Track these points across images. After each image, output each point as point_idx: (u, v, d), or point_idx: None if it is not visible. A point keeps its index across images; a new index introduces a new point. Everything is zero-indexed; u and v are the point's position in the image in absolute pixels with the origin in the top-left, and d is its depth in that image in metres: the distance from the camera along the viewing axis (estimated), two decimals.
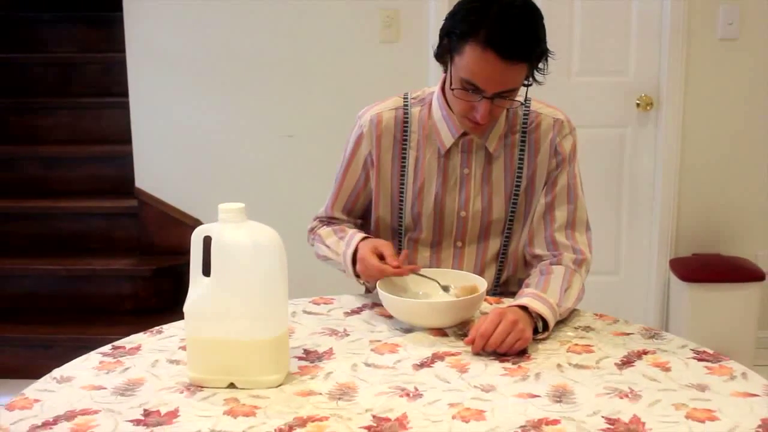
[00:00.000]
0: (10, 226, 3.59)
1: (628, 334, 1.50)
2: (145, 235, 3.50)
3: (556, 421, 1.15)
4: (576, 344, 1.44)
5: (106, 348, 1.45)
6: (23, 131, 3.89)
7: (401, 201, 1.72)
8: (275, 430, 1.14)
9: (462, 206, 1.70)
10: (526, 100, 1.66)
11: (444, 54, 1.57)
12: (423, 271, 1.61)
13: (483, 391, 1.26)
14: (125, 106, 3.50)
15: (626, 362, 1.36)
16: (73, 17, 4.33)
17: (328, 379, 1.30)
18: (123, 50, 3.46)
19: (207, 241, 1.30)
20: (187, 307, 1.29)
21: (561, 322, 1.53)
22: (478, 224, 1.71)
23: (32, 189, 3.73)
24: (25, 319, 3.31)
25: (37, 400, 1.24)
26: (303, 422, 1.16)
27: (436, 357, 1.38)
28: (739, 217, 3.34)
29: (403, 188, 1.71)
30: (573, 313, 1.59)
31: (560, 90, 3.29)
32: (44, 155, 3.77)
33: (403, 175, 1.71)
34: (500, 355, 1.38)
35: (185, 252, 3.58)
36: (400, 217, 1.73)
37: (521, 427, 1.14)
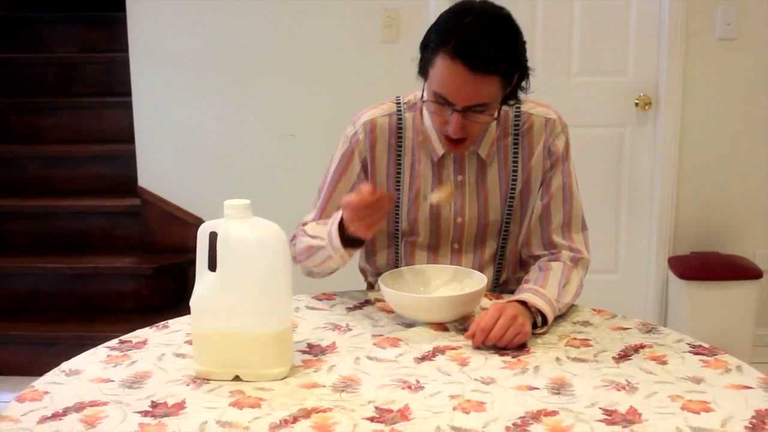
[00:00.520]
0: (12, 226, 3.62)
1: (626, 328, 1.52)
2: (148, 233, 3.53)
3: (554, 412, 1.18)
4: (574, 338, 1.47)
5: (114, 342, 1.47)
6: (25, 131, 3.92)
7: (398, 207, 1.72)
8: (280, 420, 1.16)
9: (458, 212, 1.70)
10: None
11: (422, 68, 1.55)
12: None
13: (483, 383, 1.28)
14: (126, 106, 3.53)
15: (623, 356, 1.39)
16: (74, 17, 4.36)
17: (332, 372, 1.32)
18: (124, 50, 3.49)
19: (212, 237, 1.32)
20: (194, 301, 1.32)
21: (560, 317, 1.55)
22: (475, 228, 1.72)
23: (34, 188, 3.76)
24: (28, 317, 3.35)
25: (46, 393, 1.26)
26: (307, 413, 1.18)
27: (437, 351, 1.41)
28: (737, 215, 3.37)
29: (399, 194, 1.71)
30: (571, 308, 1.61)
31: (560, 90, 3.32)
32: (46, 155, 3.80)
33: (398, 181, 1.71)
34: (500, 349, 1.40)
35: (187, 250, 3.64)
36: (397, 222, 1.74)
37: (521, 418, 1.16)
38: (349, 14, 3.33)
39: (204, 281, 1.32)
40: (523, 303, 1.46)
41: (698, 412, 1.18)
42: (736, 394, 1.24)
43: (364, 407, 1.20)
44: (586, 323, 1.55)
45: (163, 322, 1.57)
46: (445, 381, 1.29)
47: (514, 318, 1.40)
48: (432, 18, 3.20)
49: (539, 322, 1.47)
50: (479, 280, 1.56)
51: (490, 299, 1.66)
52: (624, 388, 1.26)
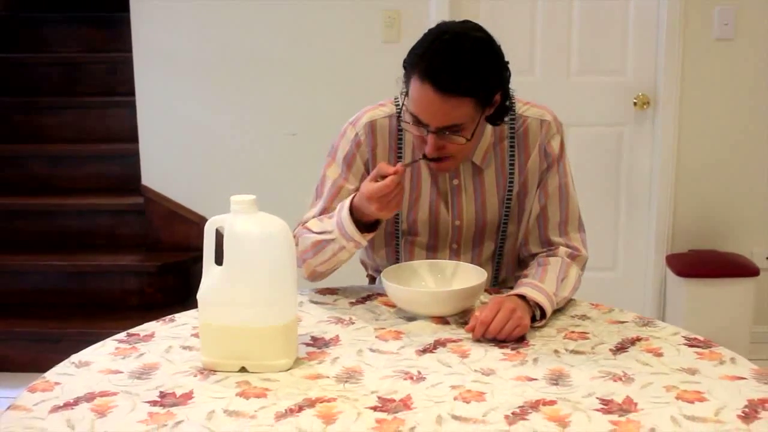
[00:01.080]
0: (17, 224, 3.65)
1: (623, 322, 1.55)
2: (151, 231, 3.56)
3: (552, 402, 1.21)
4: (572, 331, 1.50)
5: (122, 335, 1.50)
6: (30, 130, 3.95)
7: None
8: (285, 410, 1.19)
9: (456, 216, 1.72)
10: (511, 101, 1.64)
11: (405, 86, 1.57)
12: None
13: (483, 374, 1.31)
14: (130, 105, 3.56)
15: (620, 348, 1.42)
16: (78, 18, 4.39)
17: (335, 364, 1.36)
18: (128, 50, 3.52)
19: (218, 232, 1.35)
20: (201, 294, 1.35)
21: (558, 311, 1.58)
22: (473, 229, 1.74)
23: (39, 187, 3.79)
24: (33, 315, 3.37)
25: (57, 383, 1.29)
26: (312, 403, 1.21)
27: (438, 343, 1.44)
28: (734, 213, 3.40)
29: None
30: (570, 302, 1.64)
31: (559, 89, 3.35)
32: (50, 154, 3.83)
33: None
34: (500, 342, 1.43)
35: (191, 248, 3.67)
36: (397, 223, 1.76)
37: (519, 407, 1.19)
38: (350, 14, 3.36)
39: (211, 275, 1.35)
40: (522, 297, 1.50)
41: (692, 402, 1.21)
42: (730, 384, 1.27)
43: (367, 397, 1.23)
44: (584, 317, 1.58)
45: (169, 316, 1.60)
46: (446, 372, 1.32)
47: (513, 311, 1.43)
48: (433, 18, 3.26)
49: (538, 315, 1.50)
50: (479, 275, 1.59)
51: (490, 294, 1.69)
52: (620, 379, 1.29)
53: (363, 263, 1.92)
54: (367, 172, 1.73)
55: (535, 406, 1.20)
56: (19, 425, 1.16)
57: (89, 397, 1.24)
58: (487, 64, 1.51)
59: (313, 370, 1.34)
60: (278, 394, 1.25)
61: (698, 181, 3.38)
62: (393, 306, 1.62)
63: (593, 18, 3.33)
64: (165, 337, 1.49)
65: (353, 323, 1.55)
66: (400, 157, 1.72)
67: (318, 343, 1.45)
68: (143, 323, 1.57)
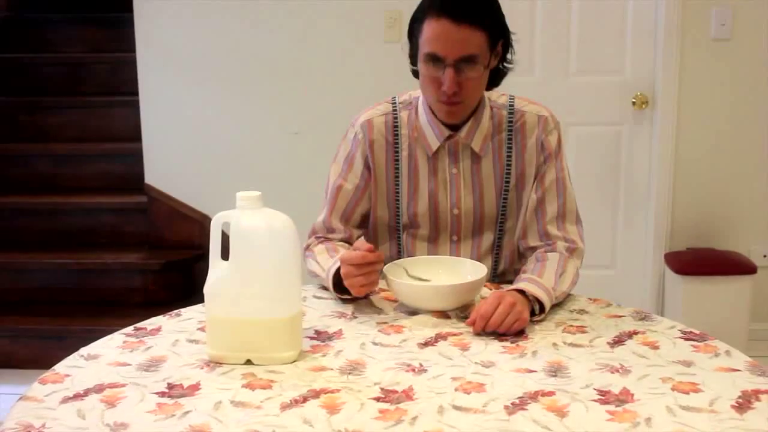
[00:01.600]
0: (22, 222, 3.69)
1: (620, 316, 1.58)
2: (155, 229, 3.60)
3: (551, 393, 1.24)
4: (571, 325, 1.53)
5: (129, 329, 1.53)
6: (34, 130, 3.99)
7: (397, 201, 1.79)
8: (291, 401, 1.22)
9: (454, 204, 1.77)
10: (510, 99, 1.75)
11: (413, 52, 1.67)
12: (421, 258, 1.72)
13: (483, 366, 1.34)
14: (133, 105, 3.60)
15: (617, 341, 1.45)
16: (81, 18, 4.43)
17: (339, 357, 1.38)
18: (131, 50, 3.55)
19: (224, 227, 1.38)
20: (207, 288, 1.37)
21: (557, 306, 1.61)
22: (471, 220, 1.78)
23: (43, 186, 3.83)
24: (38, 312, 3.41)
25: (67, 375, 1.32)
26: (316, 394, 1.24)
27: (440, 337, 1.47)
28: (732, 212, 3.43)
29: (398, 189, 1.79)
30: (568, 297, 1.67)
31: (558, 89, 3.38)
32: (55, 153, 3.87)
33: (397, 177, 1.78)
34: (500, 335, 1.46)
35: (194, 246, 3.70)
36: (397, 216, 1.81)
37: (519, 398, 1.22)
38: (352, 15, 3.39)
39: (217, 269, 1.37)
40: (522, 291, 1.52)
41: (688, 393, 1.23)
42: (725, 376, 1.30)
43: (370, 388, 1.26)
44: (582, 311, 1.61)
45: (175, 311, 1.63)
46: (447, 364, 1.35)
47: (513, 305, 1.46)
48: None
49: (537, 310, 1.53)
50: (479, 270, 1.62)
51: (490, 289, 1.72)
52: (618, 370, 1.32)
53: None
54: (367, 168, 1.78)
55: (534, 396, 1.23)
56: (31, 415, 1.19)
57: (99, 389, 1.27)
58: (495, 3, 1.64)
59: (317, 362, 1.36)
60: (283, 386, 1.27)
61: (696, 179, 3.41)
62: (395, 301, 1.65)
63: (592, 18, 3.36)
64: (171, 331, 1.52)
65: (356, 317, 1.58)
66: (397, 151, 1.77)
67: (322, 336, 1.48)
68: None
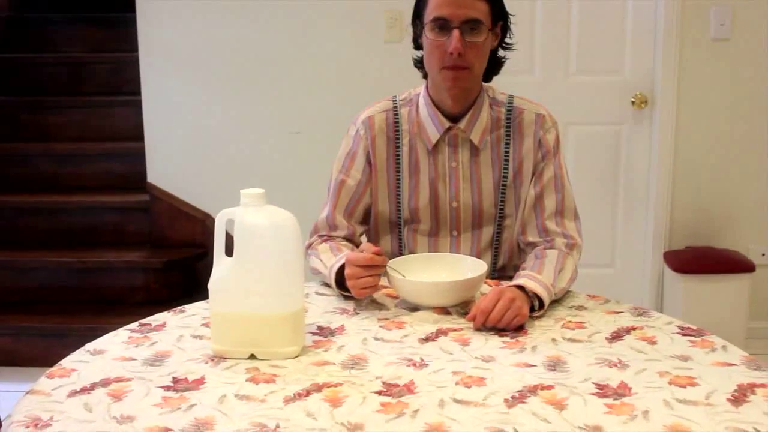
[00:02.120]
0: (24, 221, 3.70)
1: (619, 312, 1.60)
2: (157, 228, 3.61)
3: (550, 387, 1.26)
4: (570, 321, 1.55)
5: (134, 325, 1.55)
6: (36, 129, 4.01)
7: (398, 196, 1.82)
8: (294, 394, 1.24)
9: (453, 197, 1.80)
10: (509, 97, 1.80)
11: (416, 32, 1.74)
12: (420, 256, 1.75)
13: (483, 361, 1.36)
14: (134, 105, 3.62)
15: (616, 337, 1.47)
16: (83, 18, 4.45)
17: (341, 352, 1.40)
18: (132, 50, 3.57)
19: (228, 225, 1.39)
20: (212, 284, 1.39)
21: (556, 302, 1.63)
22: (470, 214, 1.81)
23: (45, 185, 3.84)
24: (41, 310, 3.43)
25: (73, 370, 1.34)
26: (319, 388, 1.26)
27: (440, 332, 1.49)
28: (731, 211, 3.45)
29: (399, 184, 1.82)
30: (567, 293, 1.69)
31: (558, 89, 3.40)
32: (56, 152, 3.88)
33: (398, 172, 1.81)
34: (499, 331, 1.48)
35: (195, 245, 3.71)
36: (399, 211, 1.84)
37: (518, 391, 1.24)
38: (353, 15, 3.41)
39: (221, 265, 1.39)
40: (521, 288, 1.55)
41: (684, 386, 1.25)
42: (721, 370, 1.32)
43: (372, 382, 1.28)
44: (581, 307, 1.63)
45: (179, 307, 1.65)
46: (447, 359, 1.37)
47: (512, 301, 1.48)
48: None
49: (536, 305, 1.55)
50: (479, 267, 1.64)
51: (490, 285, 1.74)
52: (616, 365, 1.34)
53: None
54: (369, 163, 1.81)
55: (533, 390, 1.25)
56: (39, 408, 1.21)
57: (105, 383, 1.29)
58: None
59: (319, 357, 1.38)
60: (287, 380, 1.29)
61: (695, 178, 3.43)
62: (396, 298, 1.67)
63: (591, 18, 3.38)
64: (176, 327, 1.54)
65: (358, 314, 1.60)
66: (398, 147, 1.80)
67: (324, 332, 1.50)
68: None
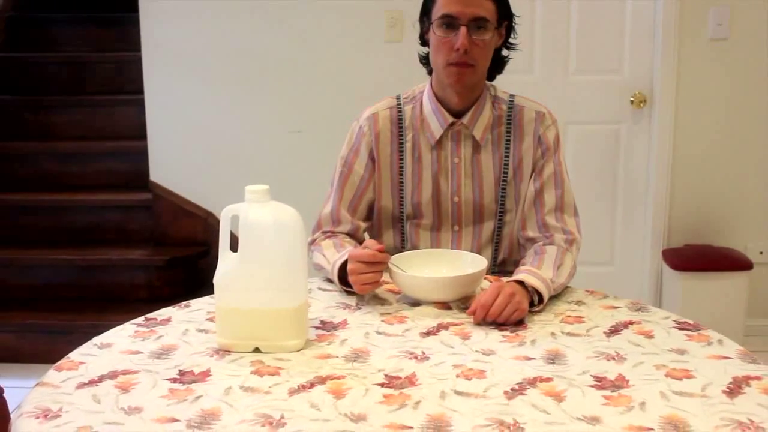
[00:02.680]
0: (28, 219, 3.73)
1: (617, 307, 1.63)
2: (159, 226, 3.64)
3: (549, 379, 1.28)
4: (568, 316, 1.57)
5: (140, 319, 1.58)
6: (39, 128, 4.03)
7: (401, 191, 1.86)
8: (298, 386, 1.26)
9: (455, 192, 1.84)
10: (510, 96, 1.83)
11: (423, 29, 1.77)
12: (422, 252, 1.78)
13: (484, 354, 1.38)
14: (137, 104, 3.64)
15: (614, 331, 1.49)
16: (85, 18, 4.48)
17: (344, 345, 1.43)
18: (135, 49, 3.60)
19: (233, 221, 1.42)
20: (217, 279, 1.42)
21: (555, 297, 1.66)
22: (471, 209, 1.85)
23: (49, 183, 3.86)
24: (44, 307, 3.45)
25: (81, 363, 1.37)
26: (323, 380, 1.29)
27: (441, 327, 1.51)
28: (729, 209, 3.47)
29: (402, 180, 1.85)
30: (566, 289, 1.72)
31: (557, 88, 3.42)
32: (59, 151, 3.90)
33: (401, 167, 1.85)
34: (499, 325, 1.51)
35: (198, 243, 3.73)
36: (401, 206, 1.87)
37: (518, 384, 1.27)
38: (354, 15, 3.43)
39: (226, 260, 1.42)
40: (521, 283, 1.57)
41: (681, 379, 1.28)
42: (716, 363, 1.34)
43: (375, 375, 1.30)
44: (579, 302, 1.65)
45: (185, 302, 1.67)
46: (448, 352, 1.39)
47: (512, 295, 1.51)
48: None
49: (536, 300, 1.58)
50: (479, 263, 1.67)
51: (490, 281, 1.76)
52: (613, 358, 1.36)
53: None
54: (372, 159, 1.84)
55: (532, 382, 1.27)
56: (48, 400, 1.23)
57: (112, 375, 1.31)
58: None
59: (323, 350, 1.41)
60: (291, 372, 1.32)
61: (694, 177, 3.45)
62: (398, 292, 1.69)
63: (591, 18, 3.40)
64: (181, 321, 1.56)
65: (360, 308, 1.62)
66: (401, 143, 1.82)
67: (327, 326, 1.53)
68: None
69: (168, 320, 1.57)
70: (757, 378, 1.27)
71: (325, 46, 3.46)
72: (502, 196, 1.84)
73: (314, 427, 1.13)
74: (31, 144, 3.96)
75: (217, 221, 3.35)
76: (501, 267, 1.89)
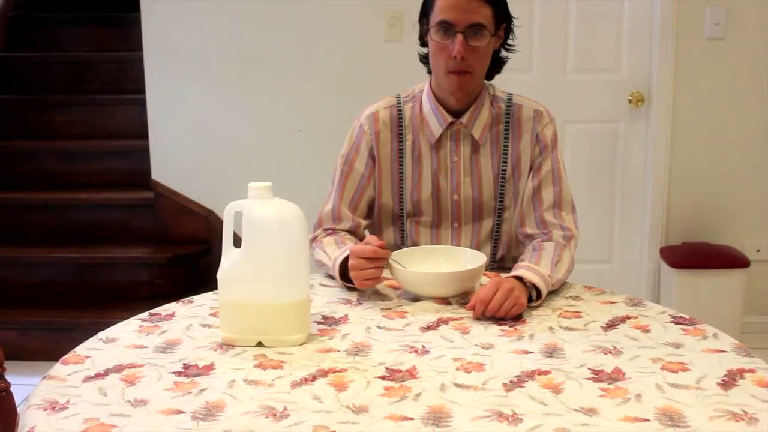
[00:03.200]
0: (31, 217, 3.75)
1: (614, 302, 1.65)
2: (161, 225, 3.66)
3: (547, 372, 1.30)
4: (566, 311, 1.59)
5: (144, 315, 1.60)
6: (42, 127, 4.05)
7: (401, 189, 1.88)
8: (300, 379, 1.29)
9: (454, 190, 1.86)
10: (509, 95, 1.86)
11: (422, 31, 1.79)
12: (424, 248, 1.80)
13: (483, 348, 1.41)
14: (139, 103, 3.66)
15: (611, 325, 1.52)
16: (87, 18, 4.50)
17: (345, 339, 1.45)
18: (136, 49, 3.62)
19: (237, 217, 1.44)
20: (220, 274, 1.44)
21: (553, 293, 1.68)
22: (470, 206, 1.87)
23: (51, 182, 3.89)
24: (47, 305, 3.47)
25: (87, 357, 1.39)
26: (325, 373, 1.31)
27: (441, 321, 1.54)
28: (726, 207, 3.49)
29: (402, 177, 1.87)
30: (564, 284, 1.74)
31: (555, 87, 3.44)
32: (62, 150, 3.93)
33: (401, 165, 1.87)
34: (498, 320, 1.53)
35: (199, 241, 3.75)
36: (401, 203, 1.89)
37: (517, 377, 1.29)
38: (354, 14, 3.45)
39: (230, 256, 1.44)
40: (519, 278, 1.59)
41: (676, 372, 1.30)
42: (712, 356, 1.36)
43: (376, 368, 1.32)
44: (577, 298, 1.68)
45: (188, 298, 1.70)
46: (448, 346, 1.41)
47: (511, 291, 1.53)
48: None
49: (534, 296, 1.60)
50: (479, 259, 1.69)
51: (489, 277, 1.79)
52: (610, 352, 1.39)
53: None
54: (372, 158, 1.87)
55: (531, 375, 1.29)
56: (55, 393, 1.25)
57: (118, 369, 1.33)
58: None
59: (324, 344, 1.43)
60: (293, 366, 1.34)
61: (691, 175, 3.48)
62: (398, 289, 1.71)
63: (589, 17, 3.42)
64: (185, 316, 1.59)
65: (361, 304, 1.65)
66: (401, 141, 1.85)
67: (328, 321, 1.55)
68: None
69: (172, 315, 1.60)
70: (752, 371, 1.30)
71: (325, 46, 3.48)
72: (500, 194, 1.86)
73: (317, 419, 1.15)
74: (34, 143, 3.98)
75: (219, 220, 3.39)
76: (500, 263, 1.92)
